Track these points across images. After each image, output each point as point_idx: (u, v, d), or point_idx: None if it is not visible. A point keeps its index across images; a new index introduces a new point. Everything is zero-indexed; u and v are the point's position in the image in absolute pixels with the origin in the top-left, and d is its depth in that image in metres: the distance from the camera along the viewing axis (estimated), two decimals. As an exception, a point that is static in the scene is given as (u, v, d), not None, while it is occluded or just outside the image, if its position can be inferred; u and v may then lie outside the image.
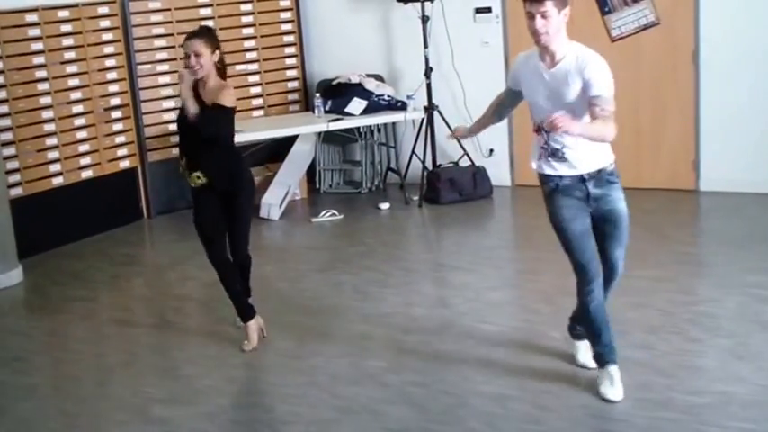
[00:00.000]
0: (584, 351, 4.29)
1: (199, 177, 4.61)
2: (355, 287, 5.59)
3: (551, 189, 3.94)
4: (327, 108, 7.54)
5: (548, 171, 3.93)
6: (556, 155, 3.87)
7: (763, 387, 3.97)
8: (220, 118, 4.58)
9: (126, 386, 4.51)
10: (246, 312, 4.83)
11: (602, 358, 4.04)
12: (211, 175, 4.61)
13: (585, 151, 3.83)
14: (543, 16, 3.65)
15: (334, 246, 6.59)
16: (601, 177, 3.88)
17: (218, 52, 4.63)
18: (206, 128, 4.53)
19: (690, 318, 4.74)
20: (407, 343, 4.70)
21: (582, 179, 3.87)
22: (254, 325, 4.82)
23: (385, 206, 7.31)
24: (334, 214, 7.16)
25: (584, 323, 4.11)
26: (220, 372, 4.59)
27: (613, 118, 3.70)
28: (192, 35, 4.59)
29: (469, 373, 4.34)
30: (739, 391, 3.95)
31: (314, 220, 7.13)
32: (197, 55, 4.52)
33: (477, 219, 6.99)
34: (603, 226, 3.95)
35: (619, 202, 3.93)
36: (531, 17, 3.69)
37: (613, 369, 4.00)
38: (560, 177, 3.90)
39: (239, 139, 7.15)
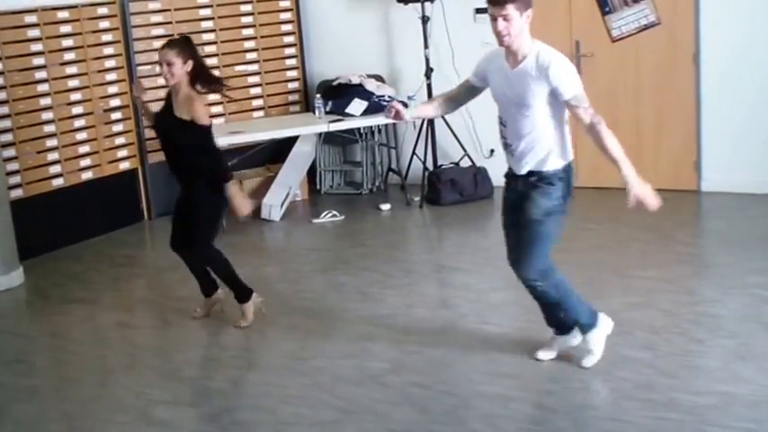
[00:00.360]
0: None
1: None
2: (357, 288, 5.58)
3: (505, 176, 4.28)
4: (328, 109, 7.53)
5: (507, 160, 4.22)
6: (507, 148, 4.12)
7: (766, 387, 3.97)
8: (204, 144, 4.84)
9: (127, 388, 4.50)
10: (209, 289, 5.21)
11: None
12: (180, 178, 5.02)
13: (527, 152, 4.05)
14: (505, 19, 3.84)
15: (336, 247, 6.58)
16: (529, 178, 4.09)
17: (190, 62, 4.79)
18: (192, 155, 4.86)
19: (692, 318, 4.73)
20: (409, 344, 4.70)
21: (516, 175, 4.14)
22: (220, 296, 5.22)
23: (386, 207, 7.30)
24: (334, 215, 7.16)
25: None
26: (222, 373, 4.59)
27: (595, 113, 3.95)
28: (165, 44, 4.82)
29: (471, 374, 4.34)
30: (742, 391, 3.95)
31: (315, 220, 7.13)
32: (168, 64, 4.72)
33: (478, 219, 6.98)
34: (518, 226, 4.17)
35: (534, 207, 4.07)
36: (494, 19, 3.88)
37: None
38: (510, 169, 4.20)
39: (240, 139, 7.22)
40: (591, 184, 7.30)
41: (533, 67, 3.91)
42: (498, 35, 3.90)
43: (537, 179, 4.07)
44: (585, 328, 4.29)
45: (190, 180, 4.96)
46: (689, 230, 6.33)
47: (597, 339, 4.29)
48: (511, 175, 4.20)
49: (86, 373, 4.75)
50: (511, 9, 3.83)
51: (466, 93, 4.35)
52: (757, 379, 4.04)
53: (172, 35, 7.33)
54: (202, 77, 4.87)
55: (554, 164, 4.07)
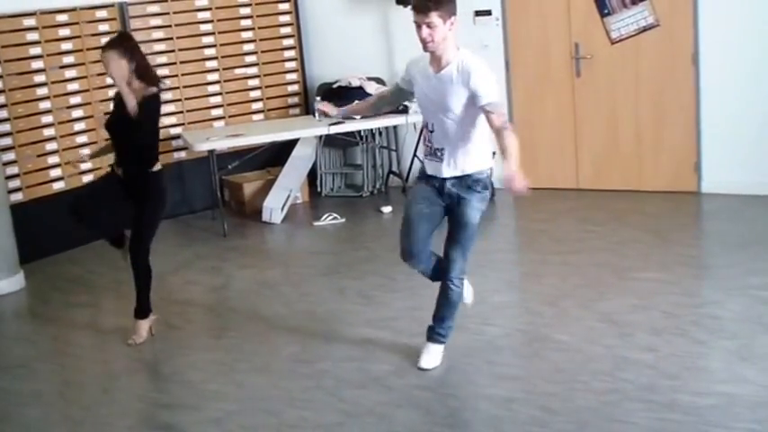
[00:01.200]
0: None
1: (120, 173, 5.01)
2: (359, 291, 5.59)
3: (420, 174, 4.34)
4: (328, 111, 7.52)
5: (427, 168, 4.25)
6: (435, 155, 4.18)
7: (767, 388, 3.98)
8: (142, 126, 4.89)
9: (131, 392, 4.51)
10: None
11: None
12: (128, 176, 4.98)
13: (458, 155, 4.15)
14: (429, 26, 3.96)
15: (337, 250, 6.59)
16: (463, 180, 4.17)
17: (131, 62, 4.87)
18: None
19: (693, 320, 4.74)
20: (412, 346, 4.69)
21: (443, 177, 4.18)
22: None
23: (387, 209, 7.31)
24: (335, 218, 7.16)
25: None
26: (225, 376, 4.59)
27: (507, 120, 4.09)
28: (105, 45, 4.91)
29: (474, 376, 4.35)
30: (743, 392, 3.96)
31: (316, 223, 7.13)
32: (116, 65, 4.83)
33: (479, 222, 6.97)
34: (450, 227, 4.26)
35: (468, 208, 4.18)
36: (419, 26, 3.99)
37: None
38: (428, 173, 4.25)
39: (240, 142, 7.23)
40: (592, 187, 7.32)
41: (456, 72, 4.03)
42: (422, 41, 4.02)
43: (472, 181, 4.18)
44: (446, 338, 4.50)
45: (136, 172, 5.06)
46: (689, 232, 6.35)
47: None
48: (432, 176, 4.25)
49: (89, 377, 4.76)
50: (434, 17, 3.96)
51: (395, 94, 4.53)
52: (758, 380, 4.05)
53: (171, 38, 7.39)
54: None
55: (484, 165, 4.22)
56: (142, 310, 5.11)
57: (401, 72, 7.97)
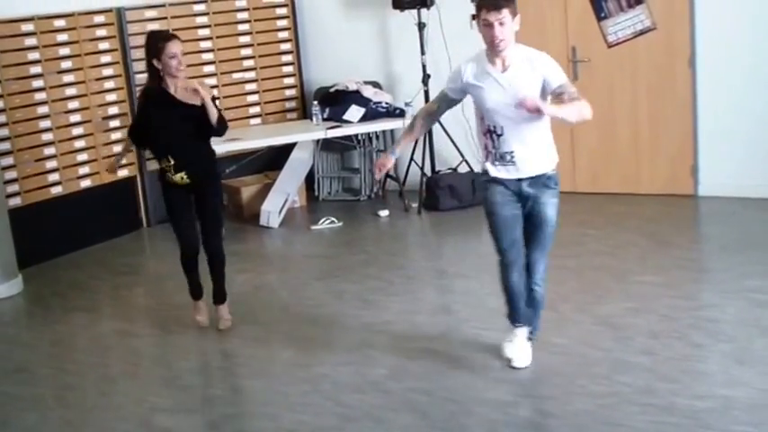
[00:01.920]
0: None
1: (183, 178, 4.89)
2: (357, 295, 5.60)
3: (488, 179, 4.18)
4: (325, 115, 7.55)
5: (493, 173, 4.14)
6: (504, 159, 4.08)
7: (765, 391, 3.99)
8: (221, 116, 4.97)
9: (129, 396, 4.51)
10: (196, 292, 5.23)
11: (511, 318, 4.43)
12: (196, 173, 4.91)
13: (532, 155, 4.09)
14: (501, 23, 3.89)
15: (335, 253, 6.59)
16: (538, 179, 4.11)
17: None
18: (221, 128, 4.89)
19: (691, 323, 4.75)
20: (410, 350, 4.71)
21: (519, 179, 4.10)
22: (202, 304, 5.23)
23: (384, 213, 7.31)
24: (333, 222, 7.17)
25: (504, 295, 4.42)
26: (223, 380, 4.60)
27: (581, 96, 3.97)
28: (173, 36, 4.85)
29: (472, 380, 4.35)
30: (741, 395, 3.96)
31: (313, 227, 7.14)
32: (181, 55, 4.80)
33: (476, 225, 6.96)
34: (530, 228, 4.20)
35: (548, 207, 4.15)
36: (490, 25, 3.91)
37: (518, 332, 4.39)
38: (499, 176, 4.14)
39: (237, 147, 7.24)
40: (589, 190, 7.33)
41: (527, 66, 3.99)
42: (493, 41, 3.93)
43: (546, 179, 4.13)
44: (535, 337, 4.51)
45: (204, 171, 4.99)
46: (687, 235, 6.36)
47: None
48: (504, 180, 4.14)
49: (87, 381, 4.76)
50: (506, 13, 3.90)
51: (444, 106, 4.33)
52: (756, 383, 4.06)
53: (169, 43, 7.37)
54: None
55: (555, 162, 4.19)
56: (224, 295, 5.18)
57: (398, 76, 8.04)
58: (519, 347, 4.38)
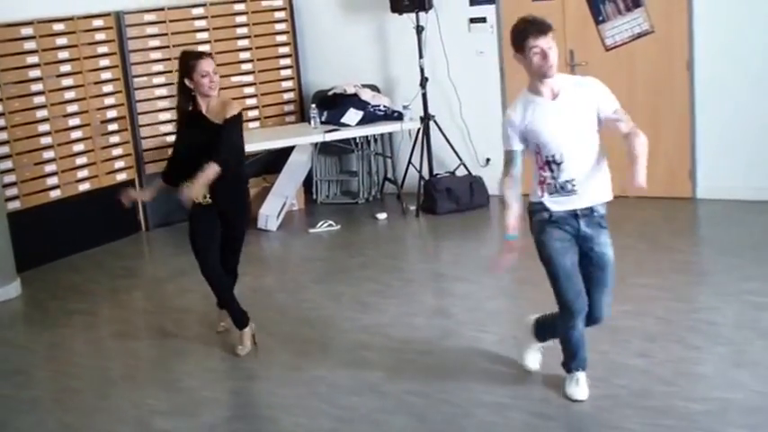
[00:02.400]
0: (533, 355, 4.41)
1: (205, 197, 4.73)
2: (354, 298, 5.60)
3: (543, 219, 3.93)
4: (323, 119, 7.56)
5: (553, 207, 3.91)
6: (565, 188, 3.87)
7: (762, 394, 4.00)
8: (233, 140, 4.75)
9: (127, 398, 4.51)
10: (241, 319, 4.92)
11: (570, 367, 4.17)
12: (218, 198, 4.74)
13: (592, 180, 3.89)
14: (550, 48, 3.75)
15: (333, 256, 6.60)
16: (593, 218, 3.92)
17: None
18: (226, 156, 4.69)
19: (688, 325, 4.76)
20: (407, 353, 4.72)
21: (575, 215, 3.90)
22: (248, 331, 4.93)
23: (382, 216, 7.32)
24: (331, 225, 7.18)
25: (563, 344, 4.17)
26: (221, 383, 4.61)
27: (634, 125, 3.87)
28: (206, 54, 4.72)
29: (469, 383, 4.36)
30: (738, 397, 3.97)
31: (311, 230, 7.15)
32: (214, 74, 4.65)
33: (474, 228, 7.01)
34: (590, 269, 3.97)
35: (607, 247, 3.97)
36: (542, 52, 3.74)
37: (580, 375, 4.14)
38: (555, 210, 3.91)
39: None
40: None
41: (577, 90, 3.86)
42: (543, 67, 3.76)
43: (599, 217, 3.95)
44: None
45: (228, 194, 4.80)
46: (684, 238, 6.36)
47: None
48: (562, 213, 3.91)
49: (86, 384, 4.76)
50: (551, 36, 3.78)
51: (520, 161, 4.00)
52: (753, 385, 4.07)
53: (167, 47, 7.40)
54: None
55: (608, 194, 3.98)
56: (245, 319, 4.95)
57: (396, 79, 8.03)
58: (583, 386, 4.13)
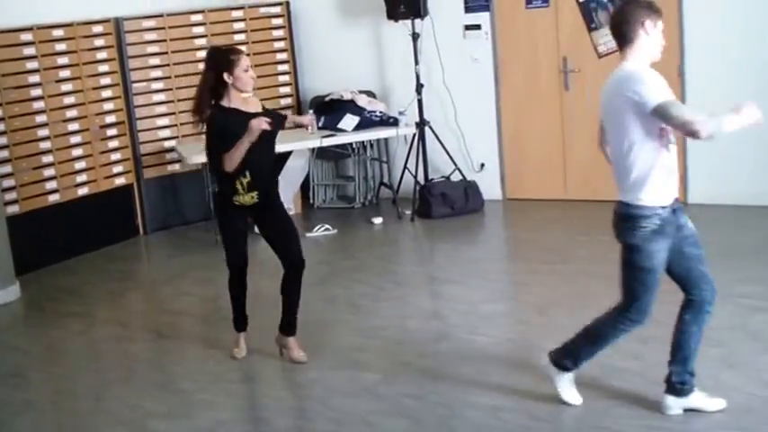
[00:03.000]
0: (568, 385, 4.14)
1: (253, 197, 4.68)
2: (349, 300, 5.64)
3: (653, 229, 3.71)
4: (320, 124, 7.59)
5: (667, 199, 3.71)
6: (672, 172, 3.71)
7: (754, 396, 4.03)
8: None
9: (123, 401, 4.54)
10: (240, 324, 4.97)
11: (565, 365, 4.07)
12: (266, 191, 4.71)
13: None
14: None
15: (328, 260, 6.64)
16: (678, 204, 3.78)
17: None
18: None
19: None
20: (402, 355, 4.75)
21: (674, 209, 3.73)
22: (244, 337, 4.98)
23: (378, 220, 7.36)
24: (327, 229, 7.22)
25: (597, 343, 4.04)
26: (217, 386, 4.63)
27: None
28: (241, 50, 4.65)
29: (464, 385, 4.38)
30: (730, 400, 3.99)
31: (308, 234, 7.18)
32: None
33: (468, 232, 7.05)
34: (690, 250, 3.85)
35: (690, 222, 3.85)
36: (661, 31, 3.75)
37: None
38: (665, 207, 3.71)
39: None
40: (579, 197, 7.38)
41: None
42: (661, 47, 3.76)
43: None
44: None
45: (272, 187, 4.85)
46: (677, 242, 6.39)
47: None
48: (668, 213, 3.75)
49: (82, 386, 4.79)
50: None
51: None
52: (745, 387, 4.10)
53: (166, 53, 7.45)
54: None
55: None
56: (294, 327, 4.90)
57: (392, 85, 8.02)
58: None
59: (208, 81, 4.56)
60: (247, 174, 4.58)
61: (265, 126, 4.44)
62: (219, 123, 4.55)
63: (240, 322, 4.99)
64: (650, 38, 3.74)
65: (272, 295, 5.84)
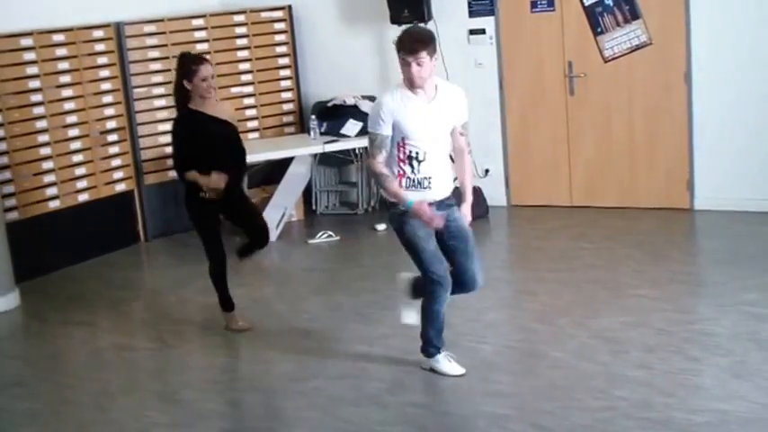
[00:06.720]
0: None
1: (219, 193, 5.06)
2: (353, 308, 5.61)
3: (402, 211, 4.30)
4: (323, 130, 7.57)
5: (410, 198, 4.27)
6: (422, 185, 4.28)
7: (761, 405, 4.00)
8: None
9: (127, 411, 4.50)
10: (229, 304, 5.38)
11: (438, 346, 4.56)
12: (229, 190, 5.10)
13: (443, 181, 4.36)
14: (419, 64, 4.13)
15: (332, 267, 6.61)
16: (441, 202, 4.34)
17: None
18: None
19: (687, 337, 4.76)
20: (407, 364, 4.71)
21: (428, 204, 4.27)
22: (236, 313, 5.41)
23: (381, 227, 7.32)
24: (330, 235, 7.18)
25: (431, 323, 4.50)
26: (221, 395, 4.60)
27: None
28: (204, 59, 5.04)
29: (469, 394, 4.36)
30: (737, 409, 3.97)
31: (310, 241, 7.15)
32: (212, 77, 5.00)
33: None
34: (452, 242, 4.38)
35: (461, 219, 4.41)
36: (408, 64, 4.15)
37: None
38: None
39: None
40: (585, 204, 7.35)
41: (450, 97, 4.31)
42: (412, 78, 4.18)
43: (447, 198, 4.41)
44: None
45: (236, 187, 5.26)
46: (683, 249, 6.37)
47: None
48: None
49: (85, 395, 4.75)
50: (423, 54, 4.13)
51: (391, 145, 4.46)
52: (753, 397, 4.07)
53: (167, 57, 7.42)
54: None
55: (452, 184, 4.49)
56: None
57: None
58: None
59: (176, 86, 5.04)
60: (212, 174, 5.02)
61: (221, 185, 5.01)
62: (179, 125, 5.09)
63: (228, 303, 5.38)
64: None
65: (274, 303, 5.83)
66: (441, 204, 4.33)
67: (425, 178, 4.26)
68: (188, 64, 4.96)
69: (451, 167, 4.51)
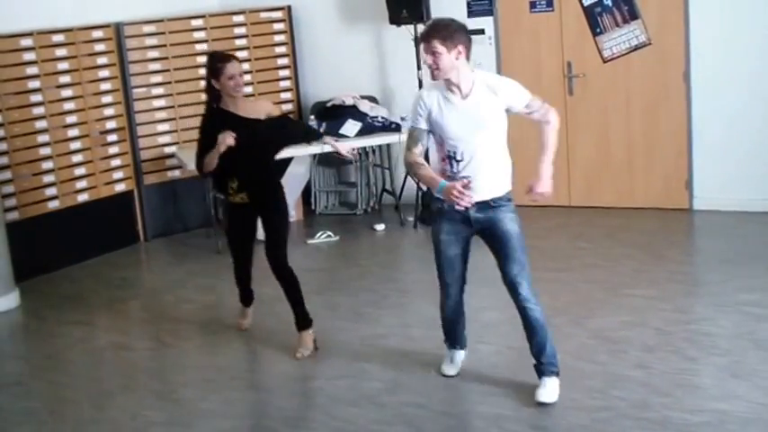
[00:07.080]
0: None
1: (243, 198, 4.92)
2: (352, 308, 5.61)
3: (438, 208, 4.27)
4: (322, 130, 7.56)
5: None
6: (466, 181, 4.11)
7: (759, 405, 4.00)
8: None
9: (125, 410, 4.51)
10: (246, 300, 5.38)
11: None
12: (255, 193, 4.91)
13: (488, 180, 4.21)
14: (433, 54, 4.03)
15: (330, 267, 6.61)
16: (485, 203, 4.20)
17: None
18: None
19: (685, 336, 4.77)
20: (405, 364, 4.72)
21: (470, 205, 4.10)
22: (249, 311, 5.41)
23: (380, 227, 7.33)
24: (329, 236, 7.19)
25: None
26: (219, 395, 4.60)
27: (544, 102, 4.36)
28: (230, 57, 4.88)
29: (467, 394, 4.36)
30: (735, 409, 3.98)
31: (309, 241, 7.16)
32: (240, 75, 4.85)
33: (471, 239, 7.00)
34: (492, 243, 4.33)
35: (505, 222, 4.28)
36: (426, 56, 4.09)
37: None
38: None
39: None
40: (584, 204, 7.36)
41: (486, 92, 4.17)
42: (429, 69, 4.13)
43: (493, 201, 4.33)
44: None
45: (265, 190, 5.00)
46: (681, 249, 6.38)
47: None
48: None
49: (83, 394, 4.76)
50: (436, 44, 4.04)
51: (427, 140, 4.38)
52: (751, 397, 4.08)
53: (166, 58, 7.43)
54: None
55: (507, 186, 4.44)
56: (305, 321, 5.04)
57: (394, 90, 8.01)
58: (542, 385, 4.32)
59: (206, 86, 4.90)
60: (235, 178, 4.88)
61: (230, 141, 4.67)
62: (202, 122, 4.95)
63: (245, 299, 5.37)
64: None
65: (273, 303, 5.83)
66: (483, 206, 4.19)
67: (465, 178, 4.08)
68: (214, 62, 4.82)
69: (506, 167, 4.36)
